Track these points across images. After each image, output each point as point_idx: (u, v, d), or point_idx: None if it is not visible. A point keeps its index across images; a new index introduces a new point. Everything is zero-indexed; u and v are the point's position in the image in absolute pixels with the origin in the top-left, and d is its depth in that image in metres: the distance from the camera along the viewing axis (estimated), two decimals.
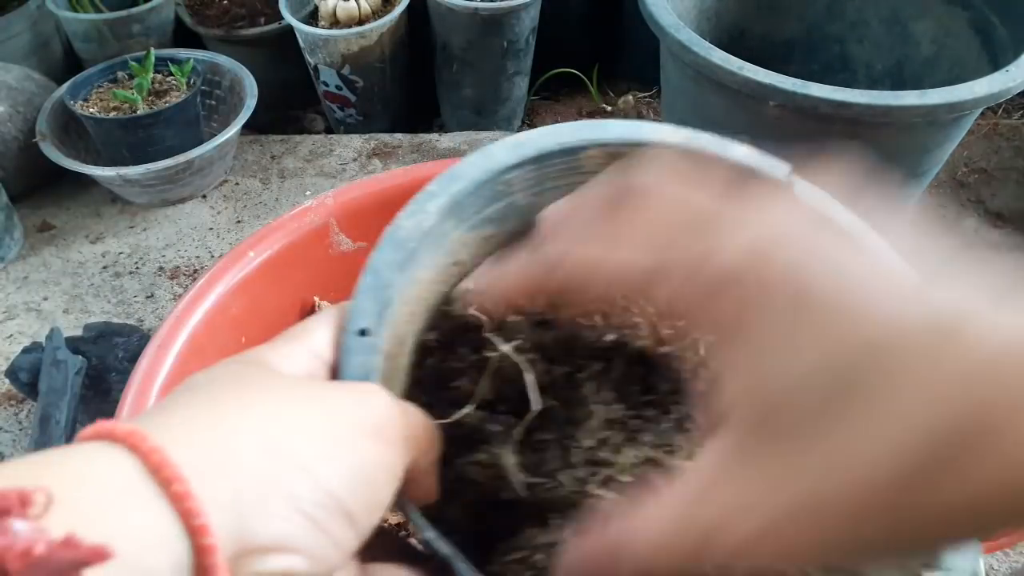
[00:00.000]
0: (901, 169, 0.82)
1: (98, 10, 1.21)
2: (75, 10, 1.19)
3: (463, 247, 0.34)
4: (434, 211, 0.31)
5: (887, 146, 0.78)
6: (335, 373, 0.26)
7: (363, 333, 0.27)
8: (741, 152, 0.35)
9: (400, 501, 0.24)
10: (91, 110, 1.05)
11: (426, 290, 0.33)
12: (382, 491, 0.21)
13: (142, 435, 0.17)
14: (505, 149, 0.34)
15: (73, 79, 1.08)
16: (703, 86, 0.80)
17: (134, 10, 1.19)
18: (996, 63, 0.82)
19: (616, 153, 0.35)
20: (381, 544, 0.25)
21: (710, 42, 0.76)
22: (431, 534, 0.24)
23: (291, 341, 0.25)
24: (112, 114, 1.04)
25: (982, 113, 1.03)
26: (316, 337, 0.26)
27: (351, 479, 0.19)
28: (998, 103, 1.01)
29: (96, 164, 1.00)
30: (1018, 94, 0.73)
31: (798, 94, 0.70)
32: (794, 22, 1.07)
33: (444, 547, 0.24)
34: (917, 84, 0.79)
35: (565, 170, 0.35)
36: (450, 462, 0.30)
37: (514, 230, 0.36)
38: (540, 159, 0.34)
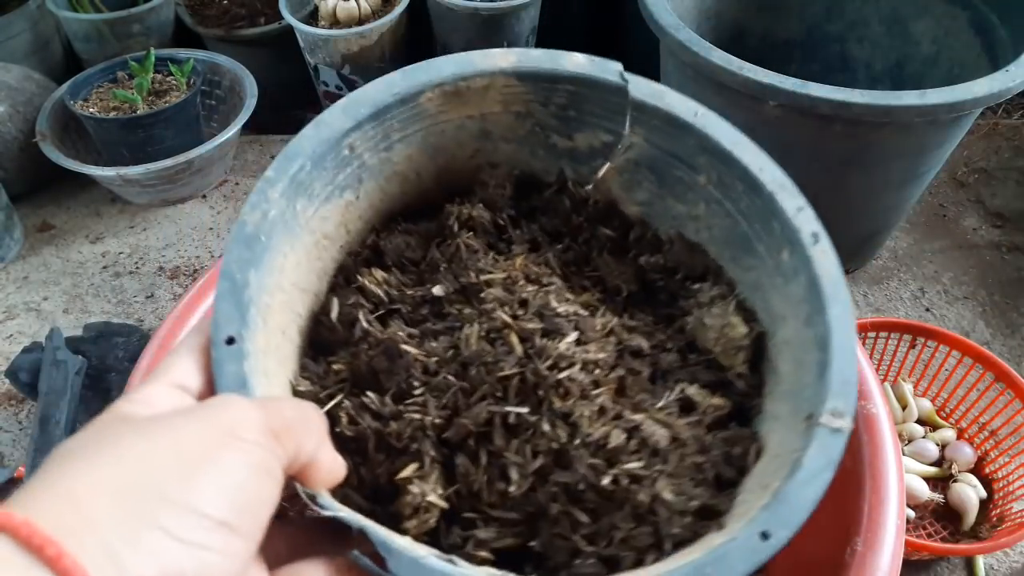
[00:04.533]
0: (901, 169, 0.82)
1: (98, 10, 1.21)
2: (75, 10, 1.19)
3: (324, 221, 0.33)
4: (277, 197, 0.30)
5: (887, 146, 0.78)
6: (211, 390, 0.26)
7: (231, 341, 0.27)
8: (573, 63, 0.35)
9: (300, 490, 0.24)
10: (91, 110, 1.05)
11: (298, 272, 0.32)
12: (255, 490, 0.21)
13: (7, 514, 0.18)
14: (338, 114, 0.33)
15: (73, 79, 1.08)
16: (703, 86, 0.80)
17: (134, 10, 1.19)
18: (996, 63, 0.82)
19: (454, 91, 0.34)
20: (293, 542, 0.26)
21: (710, 42, 0.76)
22: (341, 512, 0.24)
23: (150, 383, 0.25)
24: (112, 114, 1.04)
25: (982, 113, 1.03)
26: (175, 370, 0.26)
27: (215, 491, 0.20)
28: (998, 103, 1.01)
29: (96, 164, 1.00)
30: (1018, 94, 0.73)
31: (798, 94, 0.70)
32: (794, 22, 1.07)
33: (349, 516, 0.24)
34: (917, 84, 0.79)
35: (408, 119, 0.34)
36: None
37: (378, 189, 0.35)
38: (378, 115, 0.33)
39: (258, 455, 0.22)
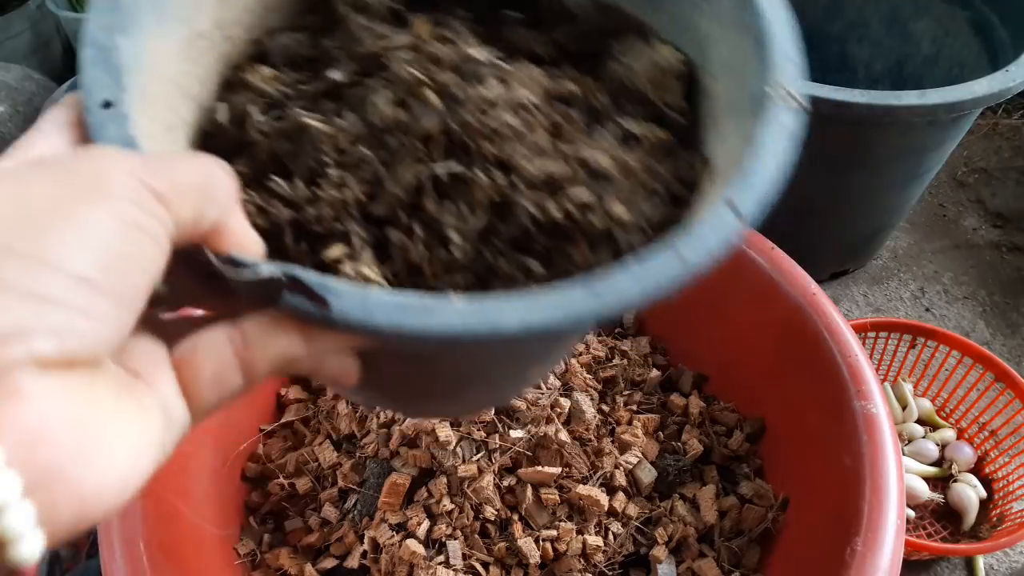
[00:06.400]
0: (901, 169, 0.82)
1: None
2: (75, 10, 1.20)
3: (196, 11, 0.29)
4: None
5: (887, 146, 0.78)
6: None
7: (107, 105, 0.23)
8: None
9: (208, 254, 0.21)
10: None
11: (177, 69, 0.28)
12: (125, 249, 0.18)
13: None
14: None
15: (73, 79, 1.09)
16: None
17: None
18: (996, 63, 0.82)
19: None
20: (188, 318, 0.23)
21: None
22: (263, 266, 0.21)
23: (3, 158, 0.21)
24: None
25: (982, 113, 1.03)
26: (38, 144, 0.22)
27: (72, 245, 0.17)
28: (998, 103, 1.01)
29: None
30: (1018, 94, 0.73)
31: None
32: (794, 22, 1.07)
33: (273, 267, 0.21)
34: (917, 84, 0.79)
35: None
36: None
37: None
38: None
39: (130, 212, 0.18)
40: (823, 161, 0.80)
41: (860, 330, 0.81)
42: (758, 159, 0.25)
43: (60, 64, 1.28)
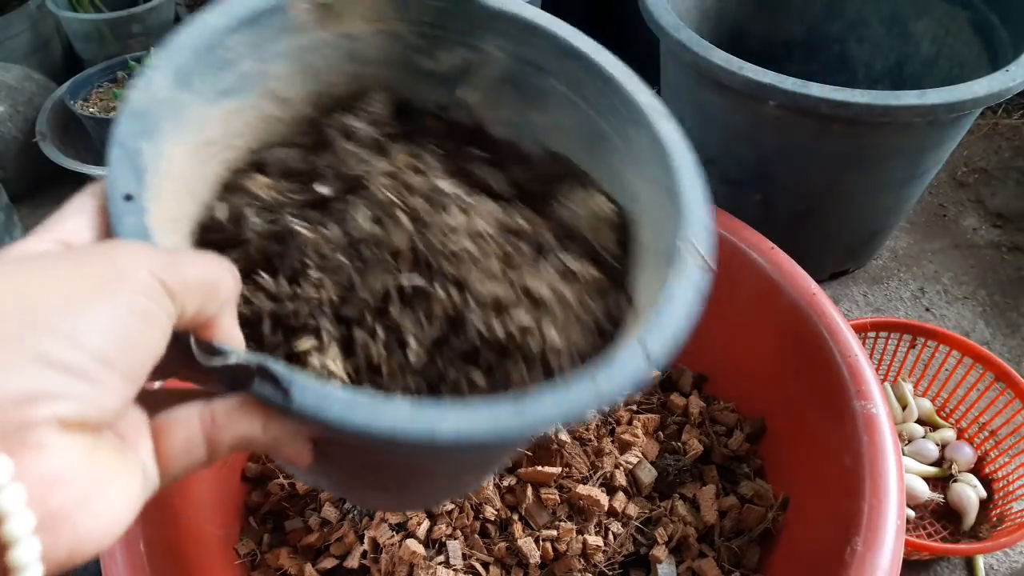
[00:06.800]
0: (901, 169, 0.82)
1: (98, 10, 1.21)
2: (75, 10, 1.20)
3: (209, 125, 0.33)
4: (162, 82, 0.30)
5: (887, 146, 0.78)
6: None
7: (128, 199, 0.26)
8: None
9: (192, 341, 0.24)
10: (91, 110, 1.05)
11: (185, 170, 0.31)
12: (135, 335, 0.21)
13: None
14: (216, 13, 0.32)
15: (73, 79, 1.09)
16: (703, 86, 0.80)
17: (134, 10, 1.19)
18: (996, 63, 0.82)
19: (322, 3, 0.34)
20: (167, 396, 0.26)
21: (710, 42, 0.76)
22: (236, 355, 0.24)
23: (28, 238, 0.24)
24: (112, 114, 1.04)
25: (982, 113, 1.03)
26: (63, 226, 0.25)
27: (96, 326, 0.20)
28: (998, 103, 1.01)
29: (96, 164, 1.00)
30: (1018, 94, 0.73)
31: (798, 94, 0.70)
32: (794, 22, 1.07)
33: (245, 356, 0.24)
34: (917, 84, 0.79)
35: (280, 31, 0.34)
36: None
37: (258, 105, 0.35)
38: (252, 20, 0.33)
39: (143, 305, 0.21)
40: (823, 161, 0.80)
41: (860, 330, 0.81)
42: (669, 308, 0.29)
43: (60, 64, 1.27)
